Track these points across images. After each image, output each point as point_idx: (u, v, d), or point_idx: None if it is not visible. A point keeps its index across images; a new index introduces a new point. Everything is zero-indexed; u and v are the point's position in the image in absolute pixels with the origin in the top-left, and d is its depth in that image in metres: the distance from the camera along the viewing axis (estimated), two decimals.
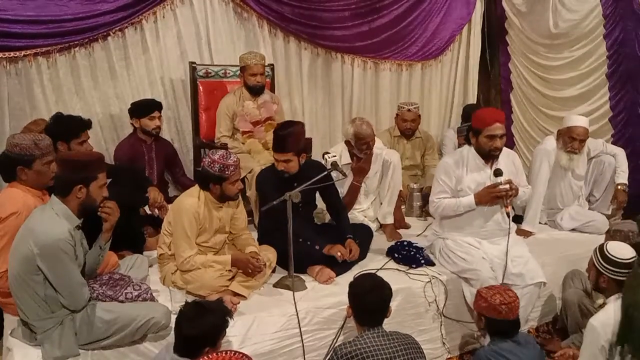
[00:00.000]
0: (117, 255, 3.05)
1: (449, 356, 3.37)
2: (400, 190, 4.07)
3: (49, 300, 2.41)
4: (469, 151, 3.33)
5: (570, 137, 3.94)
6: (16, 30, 3.80)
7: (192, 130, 4.51)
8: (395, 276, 3.22)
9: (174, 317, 2.49)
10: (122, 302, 2.58)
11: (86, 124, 3.32)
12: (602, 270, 2.62)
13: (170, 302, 2.86)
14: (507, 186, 3.18)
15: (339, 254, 3.23)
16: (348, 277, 3.08)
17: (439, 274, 3.33)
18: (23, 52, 3.88)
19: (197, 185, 3.07)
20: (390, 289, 2.54)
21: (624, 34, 4.67)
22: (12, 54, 3.84)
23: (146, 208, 3.68)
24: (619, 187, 4.11)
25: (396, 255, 3.49)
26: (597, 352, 2.46)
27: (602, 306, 2.90)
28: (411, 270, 3.35)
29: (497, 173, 3.22)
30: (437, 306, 3.28)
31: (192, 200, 2.99)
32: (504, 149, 3.41)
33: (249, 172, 3.89)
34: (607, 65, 4.81)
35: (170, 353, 2.31)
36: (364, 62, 5.28)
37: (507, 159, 3.37)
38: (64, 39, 4.00)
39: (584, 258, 2.83)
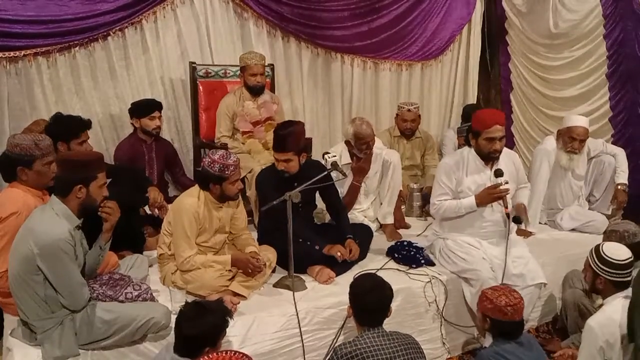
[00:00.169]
0: (117, 255, 3.05)
1: (448, 356, 3.37)
2: (400, 190, 4.07)
3: (49, 300, 2.41)
4: (469, 152, 3.32)
5: (570, 137, 3.94)
6: (16, 30, 3.80)
7: (192, 130, 4.51)
8: (395, 276, 3.22)
9: (174, 317, 2.49)
10: (122, 302, 2.58)
11: (86, 124, 3.31)
12: (598, 271, 2.62)
13: (170, 302, 2.86)
14: (508, 186, 3.18)
15: (338, 254, 3.23)
16: (348, 277, 3.08)
17: (439, 274, 3.33)
18: (23, 52, 3.88)
19: (197, 185, 3.07)
20: (391, 290, 2.54)
21: (624, 34, 4.67)
22: (12, 53, 3.84)
23: (146, 208, 3.68)
24: (619, 187, 4.11)
25: (396, 255, 3.49)
26: (595, 352, 2.47)
27: (601, 306, 2.90)
28: (411, 270, 3.35)
29: (498, 173, 3.21)
30: (437, 306, 3.28)
31: (192, 200, 2.99)
32: (507, 151, 3.41)
33: (249, 172, 3.89)
34: (607, 65, 4.81)
35: (170, 353, 2.30)
36: (364, 62, 5.28)
37: (507, 159, 3.37)
38: (64, 38, 3.99)
39: (584, 258, 2.82)
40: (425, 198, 4.34)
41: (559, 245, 3.89)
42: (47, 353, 2.43)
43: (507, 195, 3.19)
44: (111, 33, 4.18)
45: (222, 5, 4.57)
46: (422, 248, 3.54)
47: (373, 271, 3.23)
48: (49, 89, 4.06)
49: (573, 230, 4.11)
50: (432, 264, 3.42)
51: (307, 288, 3.14)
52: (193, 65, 4.38)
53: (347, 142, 3.82)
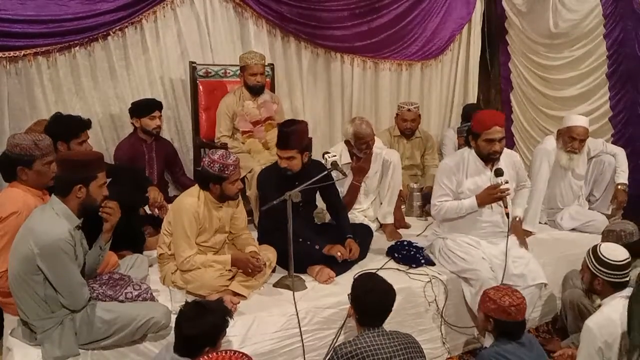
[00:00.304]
0: (117, 255, 3.05)
1: (448, 356, 3.37)
2: (400, 190, 4.07)
3: (49, 300, 2.41)
4: (469, 153, 3.32)
5: (570, 136, 3.94)
6: (16, 30, 3.80)
7: (192, 130, 4.51)
8: (395, 276, 3.22)
9: (174, 317, 2.49)
10: (122, 301, 2.58)
11: (86, 124, 3.31)
12: (596, 272, 2.61)
13: (170, 301, 2.86)
14: (508, 186, 3.18)
15: (339, 254, 3.23)
16: (348, 276, 3.09)
17: (439, 274, 3.33)
18: (23, 52, 3.87)
19: (197, 185, 3.07)
20: (395, 293, 2.53)
21: (624, 33, 4.67)
22: (12, 53, 3.84)
23: (146, 208, 3.68)
24: (619, 186, 4.11)
25: (396, 255, 3.49)
26: (594, 353, 2.46)
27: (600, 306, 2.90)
28: (411, 270, 3.35)
29: (498, 173, 3.22)
30: (437, 306, 3.28)
31: (192, 200, 2.99)
32: (507, 151, 3.41)
33: (249, 172, 3.89)
34: (607, 65, 4.81)
35: (170, 353, 2.30)
36: (364, 62, 5.28)
37: (507, 159, 3.37)
38: (64, 38, 3.99)
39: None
40: (425, 198, 4.34)
41: (559, 245, 3.90)
42: (47, 353, 2.43)
43: (507, 196, 3.19)
44: (111, 33, 4.18)
45: (222, 4, 4.57)
46: (422, 248, 3.54)
47: (373, 271, 3.23)
48: (49, 89, 4.05)
49: (573, 230, 4.11)
50: (432, 264, 3.42)
51: (307, 288, 3.14)
52: (193, 65, 4.38)
53: (347, 142, 3.82)
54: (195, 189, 3.06)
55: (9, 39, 3.79)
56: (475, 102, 5.75)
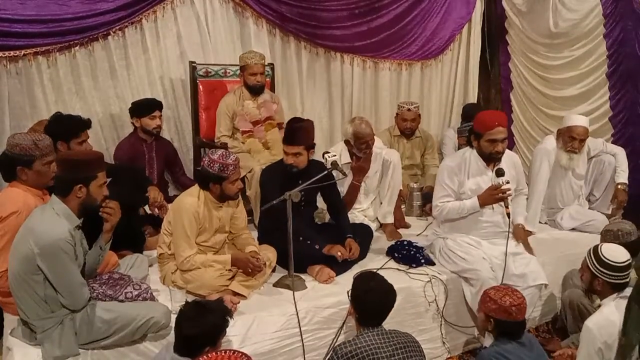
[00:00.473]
0: (117, 255, 3.05)
1: (448, 356, 3.37)
2: (400, 190, 4.07)
3: (48, 300, 2.41)
4: (470, 154, 3.32)
5: (570, 136, 3.94)
6: (16, 30, 3.79)
7: (192, 130, 4.51)
8: (395, 276, 3.22)
9: (174, 317, 2.49)
10: (122, 301, 2.58)
11: (86, 124, 3.31)
12: (596, 273, 2.61)
13: (170, 301, 2.87)
14: (509, 186, 3.18)
15: (339, 253, 3.23)
16: (348, 276, 3.08)
17: (439, 274, 3.33)
18: (23, 52, 3.87)
19: (197, 185, 3.07)
20: (395, 294, 2.52)
21: (624, 33, 4.67)
22: (12, 53, 3.84)
23: (146, 208, 3.68)
24: (619, 186, 4.11)
25: (396, 255, 3.49)
26: (593, 353, 2.46)
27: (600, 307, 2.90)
28: (411, 270, 3.35)
29: (499, 173, 3.22)
30: (437, 306, 3.28)
31: (192, 199, 2.99)
32: (508, 152, 3.41)
33: (249, 172, 3.89)
34: (607, 64, 4.81)
35: (170, 352, 2.30)
36: (364, 62, 5.28)
37: (508, 161, 3.37)
38: (64, 38, 3.99)
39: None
40: (425, 197, 4.34)
41: (559, 244, 3.89)
42: (47, 352, 2.43)
43: (509, 196, 3.20)
44: (111, 32, 4.18)
45: (222, 4, 4.57)
46: (422, 247, 3.54)
47: (373, 270, 3.22)
48: (49, 89, 4.05)
49: (573, 229, 4.11)
50: (432, 264, 3.42)
51: (307, 287, 3.14)
52: (193, 64, 4.38)
53: (346, 142, 3.82)
54: (195, 188, 3.06)
55: (9, 39, 3.79)
56: (475, 102, 5.75)
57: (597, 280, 2.62)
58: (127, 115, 4.03)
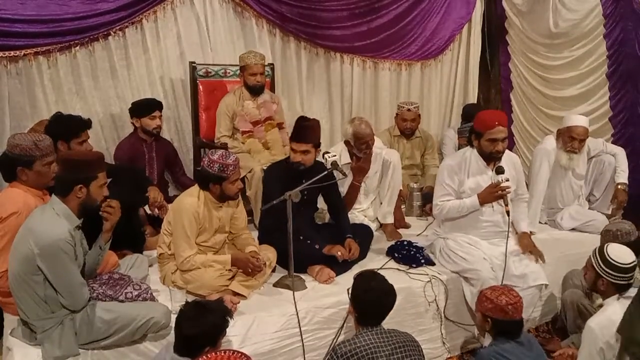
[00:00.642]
0: (117, 255, 3.05)
1: (448, 356, 3.37)
2: (400, 190, 4.07)
3: (48, 300, 2.41)
4: (471, 153, 3.33)
5: (570, 136, 3.94)
6: (17, 30, 3.79)
7: (192, 130, 4.51)
8: (395, 276, 3.22)
9: (174, 317, 2.49)
10: (122, 301, 2.59)
11: (86, 124, 3.31)
12: (601, 273, 2.60)
13: (170, 301, 2.87)
14: (509, 184, 3.18)
15: (339, 253, 3.23)
16: (348, 276, 3.08)
17: (439, 274, 3.33)
18: (23, 52, 3.87)
19: (196, 185, 3.07)
20: (395, 294, 2.52)
21: (624, 33, 4.67)
22: (12, 53, 3.84)
23: (146, 208, 3.68)
24: (619, 186, 4.11)
25: (396, 255, 3.49)
26: (595, 353, 2.46)
27: (601, 307, 2.90)
28: (411, 270, 3.35)
29: (499, 171, 3.23)
30: (437, 306, 3.28)
31: (192, 199, 2.99)
32: (508, 153, 3.42)
33: (249, 172, 3.89)
34: (607, 64, 4.81)
35: (170, 353, 2.31)
36: (364, 62, 5.28)
37: (508, 162, 3.37)
38: (64, 38, 3.99)
39: (584, 258, 2.82)
40: (425, 198, 4.35)
41: (559, 245, 3.89)
42: (47, 353, 2.43)
43: (508, 194, 3.20)
44: (112, 33, 4.18)
45: (222, 4, 4.57)
46: (422, 248, 3.54)
47: (374, 270, 3.22)
48: (49, 89, 4.05)
49: (573, 229, 4.11)
50: (432, 264, 3.42)
51: (307, 288, 3.14)
52: (193, 64, 4.38)
53: (346, 142, 3.81)
54: (195, 189, 3.06)
55: (9, 39, 3.79)
56: (475, 102, 5.75)
57: (601, 280, 2.62)
58: (127, 115, 4.03)
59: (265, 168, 3.81)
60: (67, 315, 2.45)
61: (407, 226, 4.19)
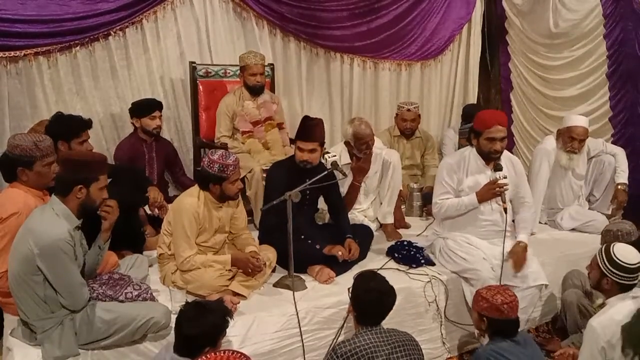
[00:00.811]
0: (117, 255, 3.05)
1: (448, 356, 3.37)
2: (400, 190, 4.07)
3: (48, 300, 2.41)
4: (470, 152, 3.34)
5: (570, 136, 3.94)
6: (17, 30, 3.80)
7: (192, 130, 4.51)
8: (395, 276, 3.22)
9: (174, 317, 2.49)
10: (122, 301, 2.58)
11: (86, 124, 3.32)
12: (606, 272, 2.59)
13: (170, 301, 2.87)
14: (506, 181, 3.18)
15: (339, 253, 3.23)
16: (348, 276, 3.08)
17: (439, 274, 3.33)
18: (23, 52, 3.87)
19: (196, 185, 3.07)
20: (395, 295, 2.52)
21: (624, 33, 4.67)
22: (12, 53, 3.84)
23: (146, 208, 3.68)
24: (619, 186, 4.11)
25: (396, 255, 3.49)
26: (596, 353, 2.46)
27: (601, 306, 2.90)
28: (411, 270, 3.36)
29: (497, 168, 3.24)
30: (437, 306, 3.28)
31: (192, 200, 2.99)
32: (509, 155, 3.45)
33: (249, 172, 3.89)
34: (607, 65, 4.81)
35: (170, 353, 2.31)
36: (364, 62, 5.28)
37: (508, 163, 3.38)
38: (64, 38, 3.99)
39: (584, 258, 2.82)
40: (425, 198, 4.34)
41: (559, 245, 3.90)
42: (47, 353, 2.43)
43: (506, 190, 3.20)
44: (112, 33, 4.18)
45: (222, 5, 4.57)
46: (422, 248, 3.54)
47: (374, 270, 3.23)
48: (49, 89, 4.05)
49: (573, 230, 4.11)
50: (432, 264, 3.43)
51: (307, 288, 3.15)
52: (193, 64, 4.38)
53: (346, 143, 3.81)
54: (195, 189, 3.06)
55: (9, 39, 3.79)
56: (475, 102, 5.75)
57: (606, 279, 2.61)
58: (127, 115, 4.03)
59: (265, 168, 3.82)
60: (67, 316, 2.45)
61: (407, 226, 4.19)
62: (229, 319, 2.40)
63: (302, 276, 3.22)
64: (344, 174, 3.51)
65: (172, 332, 2.42)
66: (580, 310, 3.19)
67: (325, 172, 3.24)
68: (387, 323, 2.51)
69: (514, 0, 5.41)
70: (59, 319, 2.44)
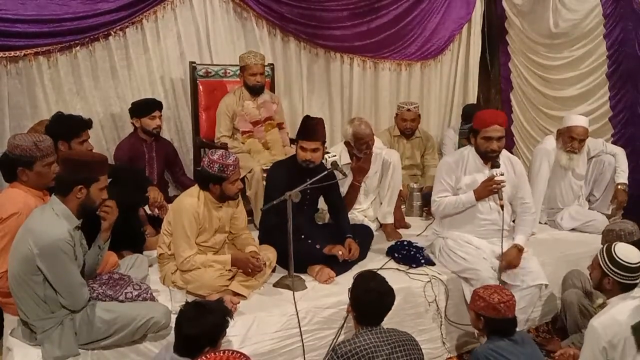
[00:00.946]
0: (117, 255, 3.05)
1: (448, 356, 3.37)
2: (400, 190, 4.07)
3: (48, 300, 2.41)
4: (469, 151, 3.35)
5: (570, 136, 3.94)
6: (17, 30, 3.80)
7: (192, 130, 4.51)
8: (395, 276, 3.22)
9: (174, 317, 2.49)
10: (122, 301, 2.59)
11: (86, 124, 3.32)
12: (608, 272, 2.59)
13: (170, 301, 2.87)
14: (503, 178, 3.18)
15: (340, 252, 3.24)
16: (348, 276, 3.08)
17: (439, 274, 3.33)
18: (24, 52, 3.87)
19: (196, 185, 3.07)
20: (394, 296, 2.53)
21: (624, 33, 4.66)
22: (12, 53, 3.84)
23: (146, 208, 3.68)
24: (619, 186, 4.11)
25: (396, 255, 3.49)
26: (597, 353, 2.45)
27: (601, 306, 2.90)
28: (411, 270, 3.36)
29: (494, 165, 3.24)
30: (437, 306, 3.28)
31: (192, 200, 2.99)
32: (509, 155, 3.44)
33: (249, 172, 3.89)
34: (607, 64, 4.81)
35: (170, 353, 2.31)
36: (363, 62, 5.28)
37: (508, 163, 3.38)
38: (64, 38, 3.99)
39: (584, 258, 2.82)
40: (425, 198, 4.34)
41: (559, 245, 3.90)
42: (47, 353, 2.43)
43: (503, 188, 3.20)
44: (112, 32, 4.18)
45: (222, 5, 4.57)
46: (422, 248, 3.54)
47: (374, 270, 3.23)
48: (49, 89, 4.06)
49: (573, 230, 4.11)
50: (432, 264, 3.43)
51: (307, 288, 3.15)
52: (193, 64, 4.38)
53: (346, 143, 3.81)
54: (195, 189, 3.06)
55: (9, 39, 3.80)
56: (475, 102, 5.75)
57: (607, 279, 2.61)
58: (127, 115, 4.03)
59: (265, 168, 3.82)
60: (67, 316, 2.45)
61: (407, 226, 4.19)
62: (229, 319, 2.40)
63: (302, 276, 3.22)
64: (344, 174, 3.51)
65: (172, 332, 2.42)
66: (580, 310, 3.19)
67: (325, 172, 3.24)
68: (387, 323, 2.51)
69: (514, 0, 5.41)
70: (59, 319, 2.44)
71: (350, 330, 2.95)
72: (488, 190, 3.23)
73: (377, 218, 4.04)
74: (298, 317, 2.90)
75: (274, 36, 4.84)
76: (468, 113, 4.88)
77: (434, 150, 5.03)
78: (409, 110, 4.80)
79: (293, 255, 3.02)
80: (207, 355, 1.80)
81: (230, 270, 3.00)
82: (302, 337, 2.91)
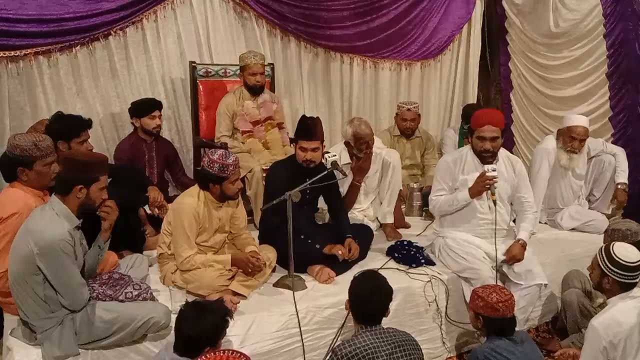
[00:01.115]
0: (117, 255, 3.05)
1: (448, 356, 3.37)
2: (400, 190, 4.07)
3: (48, 300, 2.41)
4: (468, 151, 3.36)
5: (570, 136, 3.94)
6: (17, 29, 3.79)
7: (192, 130, 4.51)
8: (395, 276, 3.22)
9: (174, 317, 2.50)
10: (122, 301, 2.59)
11: (86, 123, 3.32)
12: (607, 271, 2.59)
13: (170, 301, 2.87)
14: (495, 173, 3.18)
15: (340, 252, 3.24)
16: (348, 276, 3.07)
17: (439, 274, 3.33)
18: (24, 51, 3.87)
19: (196, 185, 3.08)
20: (391, 292, 2.53)
21: (624, 33, 4.66)
22: (12, 53, 3.84)
23: (146, 208, 3.68)
24: (619, 186, 4.12)
25: (396, 255, 3.49)
26: (598, 352, 2.46)
27: (601, 306, 2.91)
28: (411, 270, 3.36)
29: (486, 161, 3.24)
30: (437, 306, 3.29)
31: (192, 200, 2.99)
32: (508, 154, 3.44)
33: (249, 172, 3.90)
34: (607, 64, 4.81)
35: (170, 352, 2.31)
36: (363, 62, 5.28)
37: (508, 164, 3.38)
38: (65, 38, 3.99)
39: (584, 258, 2.82)
40: (425, 197, 4.33)
41: (559, 244, 3.90)
42: (47, 353, 2.43)
43: (495, 183, 3.19)
44: (112, 32, 4.18)
45: (222, 4, 4.57)
46: (422, 247, 3.55)
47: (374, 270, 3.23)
48: (49, 89, 4.05)
49: (573, 229, 4.11)
50: (432, 264, 3.43)
51: (307, 287, 3.15)
52: (193, 64, 4.38)
53: (346, 143, 3.81)
54: (195, 189, 3.06)
55: (9, 39, 3.79)
56: (475, 102, 5.75)
57: (606, 278, 2.61)
58: (127, 115, 4.02)
59: (265, 168, 3.82)
60: (67, 315, 2.45)
61: (407, 226, 4.19)
62: (229, 319, 2.40)
63: (302, 276, 3.22)
64: (344, 174, 3.51)
65: (172, 332, 2.42)
66: (580, 310, 3.19)
67: (325, 172, 3.24)
68: (387, 323, 2.52)
69: (514, 0, 5.41)
70: (59, 318, 2.44)
71: (350, 330, 2.95)
72: (481, 186, 3.22)
73: (377, 218, 4.04)
74: (298, 317, 2.90)
75: (274, 36, 4.84)
76: (468, 113, 4.87)
77: (434, 150, 5.03)
78: (409, 110, 4.80)
79: (293, 255, 3.02)
80: (207, 355, 1.81)
81: (230, 270, 3.00)
82: (302, 337, 2.91)
